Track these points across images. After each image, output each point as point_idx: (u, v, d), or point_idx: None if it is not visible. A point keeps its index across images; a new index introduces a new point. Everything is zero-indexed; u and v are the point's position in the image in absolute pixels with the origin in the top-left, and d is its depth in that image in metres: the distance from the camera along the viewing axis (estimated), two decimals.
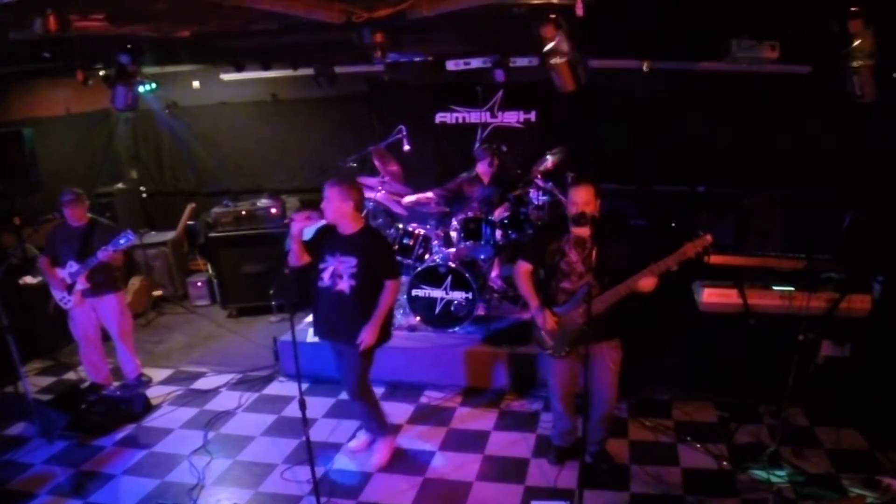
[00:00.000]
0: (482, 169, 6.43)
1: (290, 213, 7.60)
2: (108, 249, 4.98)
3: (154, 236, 7.98)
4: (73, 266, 5.15)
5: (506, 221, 6.08)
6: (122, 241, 4.97)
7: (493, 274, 6.61)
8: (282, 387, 5.64)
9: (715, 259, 4.75)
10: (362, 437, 4.71)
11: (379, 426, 4.50)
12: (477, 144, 7.63)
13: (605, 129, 6.95)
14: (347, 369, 4.29)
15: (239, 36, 5.09)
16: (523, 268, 4.11)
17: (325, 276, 4.12)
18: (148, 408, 5.29)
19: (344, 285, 4.07)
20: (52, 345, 6.43)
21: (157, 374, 5.95)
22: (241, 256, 7.19)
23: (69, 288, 5.19)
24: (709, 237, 3.72)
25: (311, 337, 5.74)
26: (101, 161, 8.67)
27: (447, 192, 6.46)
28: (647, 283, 3.76)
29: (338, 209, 4.02)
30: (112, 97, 5.29)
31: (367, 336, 4.07)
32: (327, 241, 4.15)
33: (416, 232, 6.15)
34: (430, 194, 6.40)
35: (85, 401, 5.14)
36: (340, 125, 8.13)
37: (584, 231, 3.90)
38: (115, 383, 5.72)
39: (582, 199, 3.86)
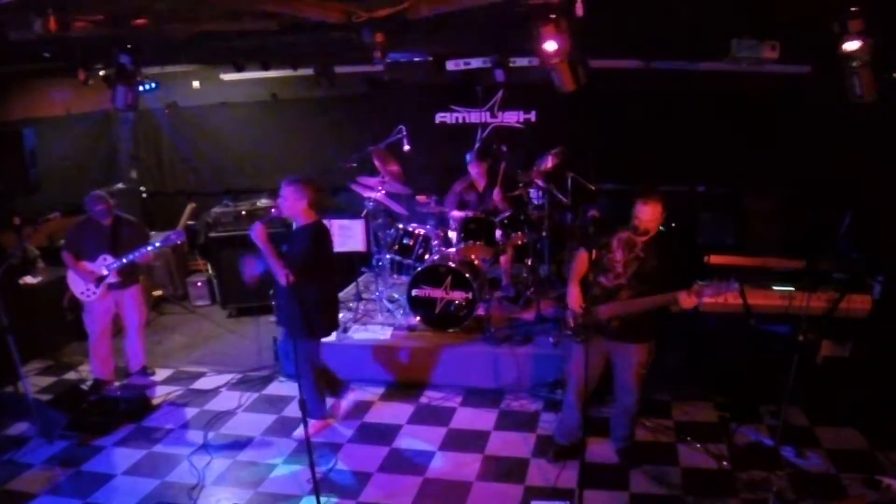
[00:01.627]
0: (475, 174, 6.43)
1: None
2: (157, 246, 5.27)
3: (154, 236, 7.97)
4: (107, 259, 5.29)
5: (506, 221, 6.09)
6: (172, 237, 5.26)
7: (504, 275, 6.62)
8: (282, 387, 5.64)
9: (715, 259, 4.76)
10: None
11: (316, 407, 4.79)
12: (477, 145, 7.63)
13: (605, 129, 6.95)
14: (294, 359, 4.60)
15: (239, 36, 5.09)
16: (582, 254, 4.16)
17: None
18: (148, 408, 5.29)
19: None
20: (52, 345, 6.44)
21: (157, 374, 5.95)
22: (241, 256, 7.17)
23: (99, 280, 5.29)
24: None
25: None
26: (101, 161, 8.66)
27: (452, 202, 6.49)
28: (688, 301, 3.75)
29: (293, 206, 4.37)
30: (112, 97, 5.29)
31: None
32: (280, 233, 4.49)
33: (416, 232, 6.16)
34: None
35: (85, 401, 5.15)
36: (340, 125, 8.13)
37: (638, 237, 3.89)
38: (117, 383, 5.73)
39: (647, 216, 3.84)
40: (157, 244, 5.30)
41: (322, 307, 4.59)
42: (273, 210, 4.48)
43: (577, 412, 4.28)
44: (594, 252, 3.99)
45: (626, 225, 3.95)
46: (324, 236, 4.49)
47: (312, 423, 4.76)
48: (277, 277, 4.30)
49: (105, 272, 5.31)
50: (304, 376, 4.64)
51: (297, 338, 4.46)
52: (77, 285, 5.38)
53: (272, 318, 7.00)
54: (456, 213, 6.28)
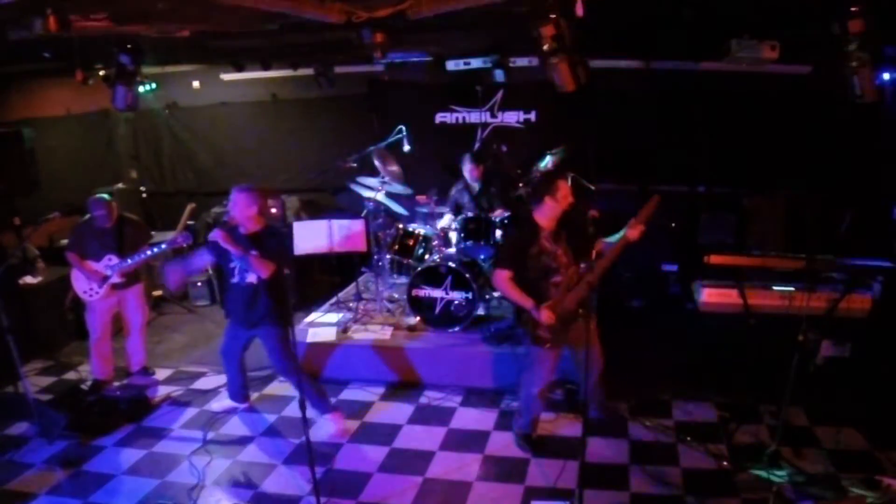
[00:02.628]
0: (470, 177, 6.43)
1: (290, 215, 7.63)
2: (164, 248, 5.27)
3: (155, 236, 7.97)
4: (112, 259, 5.30)
5: (506, 221, 6.08)
6: (179, 240, 5.24)
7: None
8: (282, 387, 5.63)
9: (715, 259, 4.77)
10: (330, 426, 4.86)
11: (322, 403, 4.90)
12: (477, 146, 7.63)
13: (605, 129, 6.95)
14: (275, 353, 4.75)
15: (239, 36, 5.10)
16: (505, 275, 4.18)
17: (235, 272, 4.61)
18: (148, 408, 5.29)
19: (253, 277, 4.53)
20: (52, 345, 6.44)
21: (157, 374, 5.95)
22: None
23: (103, 280, 5.31)
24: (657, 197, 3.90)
25: (310, 337, 5.77)
26: (101, 161, 8.67)
27: (451, 207, 6.51)
28: (634, 233, 3.94)
29: (242, 212, 4.48)
30: (112, 97, 5.30)
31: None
32: (238, 238, 4.48)
33: (416, 232, 6.16)
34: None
35: (85, 401, 5.15)
36: (340, 125, 8.13)
37: (556, 223, 4.08)
38: (117, 383, 5.73)
39: (566, 189, 4.10)
40: (164, 246, 5.28)
41: (288, 299, 4.90)
42: (226, 217, 4.63)
43: (542, 404, 4.51)
44: (534, 262, 4.13)
45: (525, 228, 4.19)
46: (283, 235, 4.73)
47: (333, 417, 4.86)
48: (258, 272, 4.41)
49: (109, 272, 5.31)
50: (296, 372, 4.66)
51: (281, 325, 4.61)
52: (80, 284, 5.38)
53: None
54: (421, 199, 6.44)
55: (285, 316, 4.63)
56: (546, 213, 4.12)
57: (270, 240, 4.54)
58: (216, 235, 4.39)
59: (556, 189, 4.06)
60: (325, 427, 4.84)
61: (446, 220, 6.17)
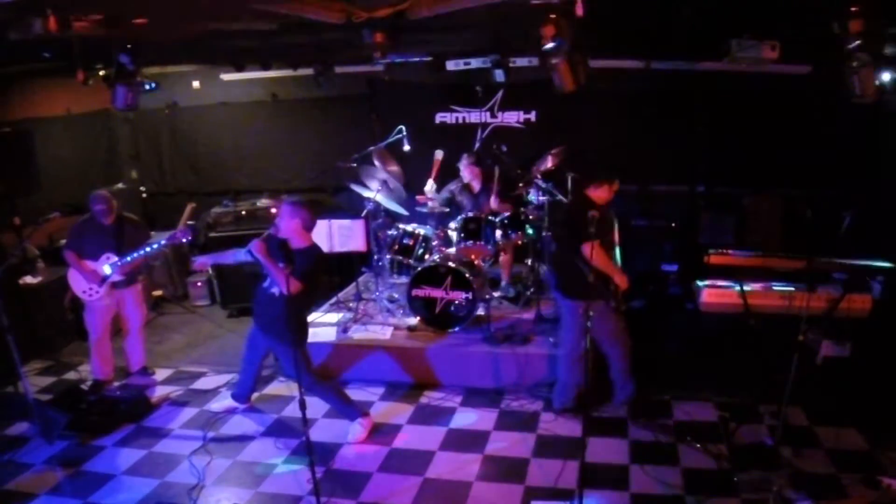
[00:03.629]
0: (469, 177, 6.42)
1: None
2: (163, 244, 5.32)
3: (155, 236, 7.97)
4: (111, 258, 5.30)
5: (506, 221, 6.09)
6: (178, 236, 5.27)
7: (504, 275, 6.63)
8: (282, 387, 5.64)
9: (715, 259, 4.77)
10: (357, 429, 4.79)
11: (350, 410, 4.84)
12: (476, 146, 7.62)
13: (605, 129, 6.95)
14: (292, 371, 4.68)
15: (239, 36, 5.09)
16: (597, 244, 4.20)
17: (267, 277, 4.58)
18: (148, 408, 5.29)
19: (276, 289, 4.48)
20: (52, 345, 6.44)
21: (157, 374, 5.95)
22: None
23: (102, 280, 5.31)
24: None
25: (310, 337, 5.75)
26: (101, 161, 8.67)
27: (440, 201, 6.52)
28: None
29: (287, 225, 4.47)
30: (112, 97, 5.29)
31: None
32: (274, 250, 4.38)
33: (416, 232, 6.16)
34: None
35: (85, 401, 5.15)
36: (340, 125, 8.13)
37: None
38: (117, 383, 5.73)
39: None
40: (163, 242, 5.30)
41: (306, 318, 4.88)
42: (272, 229, 4.55)
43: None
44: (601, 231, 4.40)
45: (588, 206, 4.38)
46: (321, 259, 4.61)
47: (363, 421, 4.81)
48: (279, 286, 4.33)
49: (109, 271, 5.30)
50: (317, 387, 4.74)
51: (295, 345, 4.46)
52: (79, 284, 5.37)
53: None
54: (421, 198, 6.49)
55: (298, 337, 4.60)
56: (598, 196, 4.59)
57: (302, 258, 4.40)
58: (252, 245, 4.38)
59: (614, 183, 4.61)
60: (353, 431, 4.79)
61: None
